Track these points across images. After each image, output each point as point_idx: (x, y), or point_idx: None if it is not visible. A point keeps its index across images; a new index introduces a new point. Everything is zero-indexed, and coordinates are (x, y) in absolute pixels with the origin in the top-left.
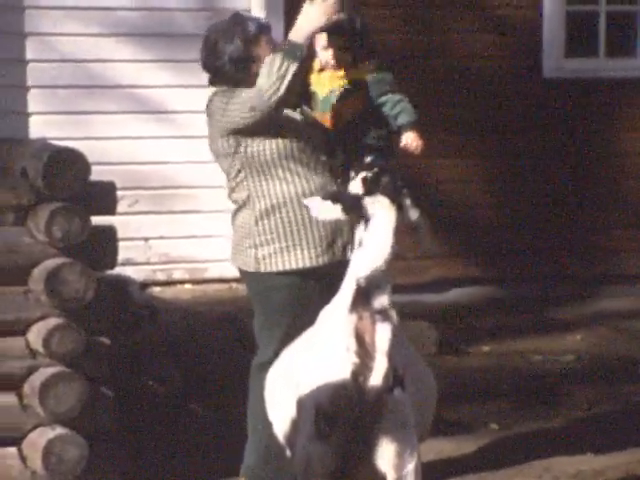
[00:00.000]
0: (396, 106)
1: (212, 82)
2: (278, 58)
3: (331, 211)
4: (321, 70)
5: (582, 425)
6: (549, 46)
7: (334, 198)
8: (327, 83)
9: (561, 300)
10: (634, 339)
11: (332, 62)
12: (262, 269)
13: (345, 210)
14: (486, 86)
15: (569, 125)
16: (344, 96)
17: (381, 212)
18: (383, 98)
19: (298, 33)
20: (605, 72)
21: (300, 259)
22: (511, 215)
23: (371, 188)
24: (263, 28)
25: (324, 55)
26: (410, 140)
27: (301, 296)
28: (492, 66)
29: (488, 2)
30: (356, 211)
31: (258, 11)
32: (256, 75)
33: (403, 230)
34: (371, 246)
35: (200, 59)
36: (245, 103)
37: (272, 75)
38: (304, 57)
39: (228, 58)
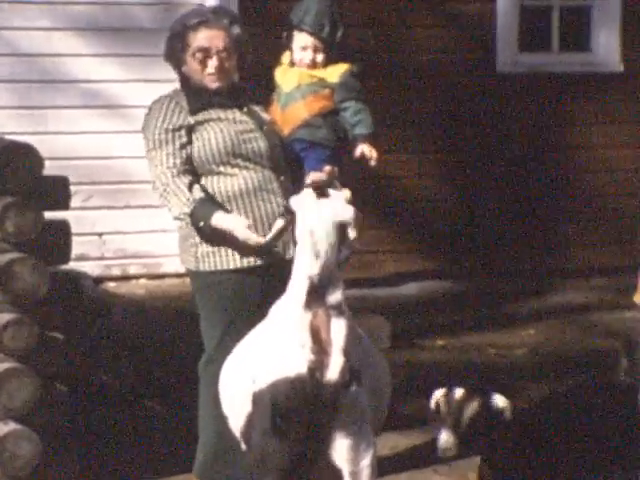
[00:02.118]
0: (357, 115)
1: (173, 68)
2: (188, 207)
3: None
4: (291, 65)
5: (535, 418)
6: (503, 40)
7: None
8: (294, 79)
9: (515, 294)
10: (586, 332)
11: (307, 62)
12: (201, 267)
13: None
14: (440, 80)
15: (523, 119)
16: (307, 94)
17: (304, 206)
18: (346, 104)
19: (218, 223)
20: (559, 66)
21: (239, 258)
22: (466, 210)
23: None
24: (206, 21)
25: (300, 54)
26: (366, 152)
27: (241, 294)
28: (446, 60)
29: None
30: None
31: (211, 4)
32: (186, 64)
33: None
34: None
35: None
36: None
37: (175, 200)
38: (196, 228)
39: (167, 38)
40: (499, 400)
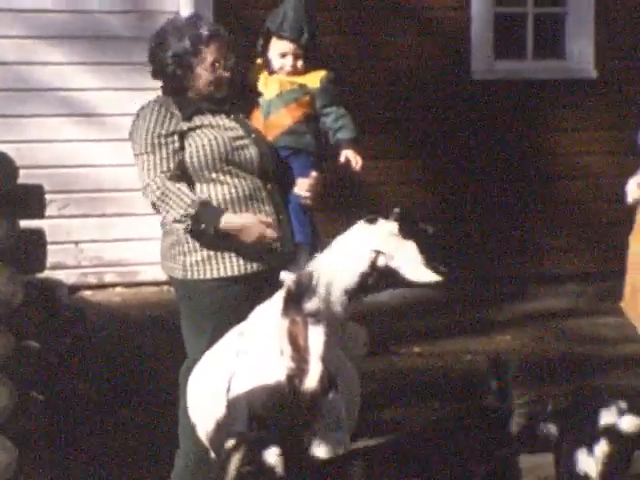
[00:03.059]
0: (339, 120)
1: (154, 74)
2: (192, 208)
3: None
4: (271, 73)
5: None
6: (478, 48)
7: None
8: (275, 87)
9: (492, 300)
10: (563, 338)
11: (288, 69)
12: (189, 276)
13: None
14: (416, 87)
15: (498, 126)
16: (290, 101)
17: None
18: (327, 109)
19: (229, 222)
20: (533, 74)
21: (229, 267)
22: (443, 216)
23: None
24: (216, 34)
25: (280, 61)
26: (351, 157)
27: (228, 302)
28: (421, 67)
29: (417, 4)
30: None
31: (187, 12)
32: (196, 76)
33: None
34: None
35: (148, 50)
36: (141, 175)
37: (177, 203)
38: (200, 231)
39: (172, 53)
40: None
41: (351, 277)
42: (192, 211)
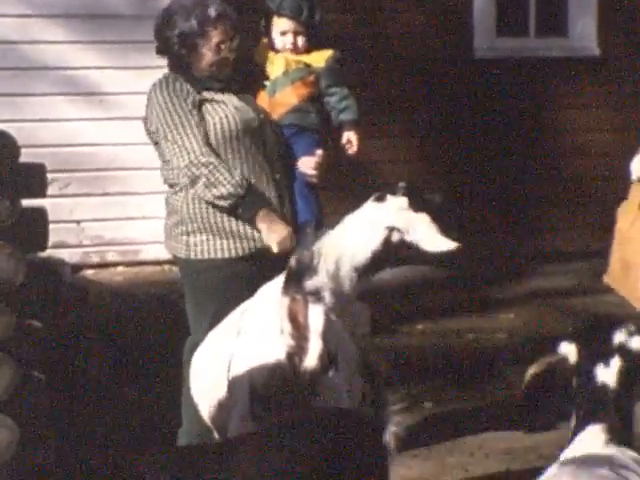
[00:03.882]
0: (343, 101)
1: (159, 51)
2: (242, 189)
3: None
4: (276, 52)
5: (513, 402)
6: (480, 25)
7: None
8: (281, 65)
9: (495, 278)
10: (567, 317)
11: (289, 47)
12: (193, 256)
13: None
14: (418, 66)
15: (501, 104)
16: (295, 79)
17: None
18: (332, 89)
19: (265, 218)
20: (536, 51)
21: (232, 247)
22: (445, 194)
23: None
24: (223, 15)
25: (281, 39)
26: (352, 139)
27: (231, 281)
28: (424, 46)
29: None
30: None
31: None
32: (200, 56)
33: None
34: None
35: (155, 26)
36: (178, 162)
37: (227, 179)
38: (242, 217)
39: (178, 32)
40: None
41: (364, 255)
42: (241, 192)
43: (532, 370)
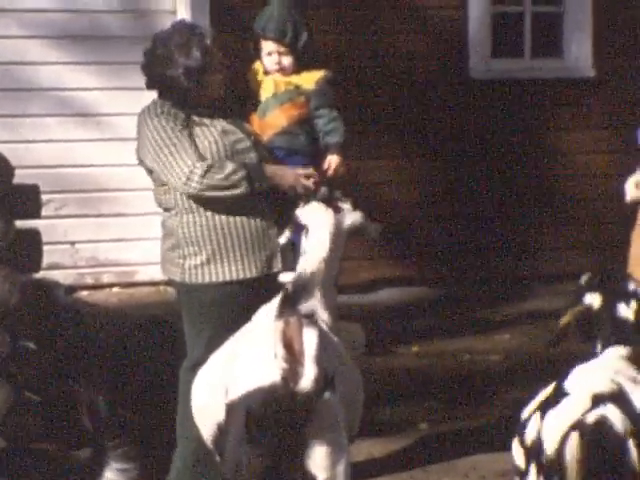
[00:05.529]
0: (330, 123)
1: (151, 87)
2: (241, 173)
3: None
4: (265, 74)
5: (509, 424)
6: (475, 46)
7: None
8: (270, 87)
9: (490, 300)
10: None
11: (274, 67)
12: (187, 280)
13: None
14: (413, 86)
15: (496, 125)
16: (284, 101)
17: (316, 217)
18: (320, 111)
19: (274, 176)
20: (531, 72)
21: (227, 272)
22: (440, 216)
23: (307, 198)
24: (215, 39)
25: (267, 60)
26: (333, 164)
27: (227, 305)
28: (419, 66)
29: (414, 3)
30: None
31: (183, 12)
32: (206, 85)
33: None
34: (308, 252)
35: (145, 64)
36: (178, 174)
37: (229, 170)
38: (256, 191)
39: (184, 70)
40: None
41: (337, 263)
42: (244, 171)
43: (564, 320)
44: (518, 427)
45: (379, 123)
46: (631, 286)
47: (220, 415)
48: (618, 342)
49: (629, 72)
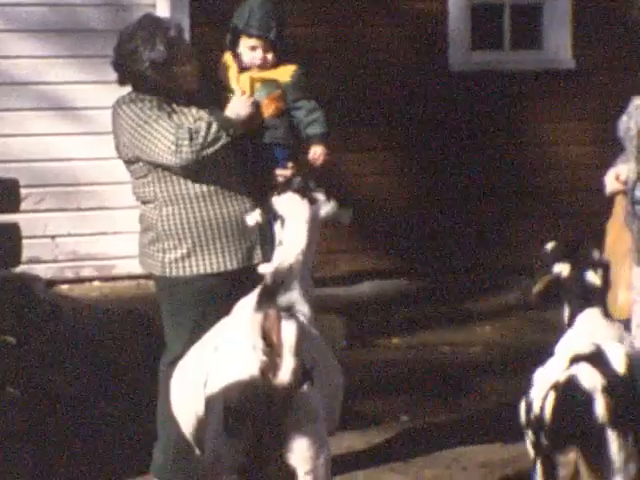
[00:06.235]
0: (310, 114)
1: (123, 83)
2: (215, 125)
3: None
4: (242, 70)
5: (490, 415)
6: (455, 39)
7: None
8: (247, 83)
9: (471, 292)
10: (542, 329)
11: (258, 63)
12: (168, 273)
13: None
14: (393, 79)
15: (476, 117)
16: (261, 97)
17: (292, 208)
18: (299, 103)
19: (234, 115)
20: (511, 65)
21: (208, 264)
22: (422, 208)
23: (283, 189)
24: (181, 31)
25: (249, 54)
26: (317, 155)
27: (207, 298)
28: (398, 59)
29: None
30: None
31: (163, 6)
32: (175, 78)
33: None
34: (284, 243)
35: (115, 61)
36: (166, 144)
37: (204, 138)
38: (233, 137)
39: (150, 63)
40: None
41: (313, 253)
42: (216, 124)
43: (537, 287)
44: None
45: (359, 115)
46: (596, 254)
47: (200, 408)
48: (586, 305)
49: (609, 63)
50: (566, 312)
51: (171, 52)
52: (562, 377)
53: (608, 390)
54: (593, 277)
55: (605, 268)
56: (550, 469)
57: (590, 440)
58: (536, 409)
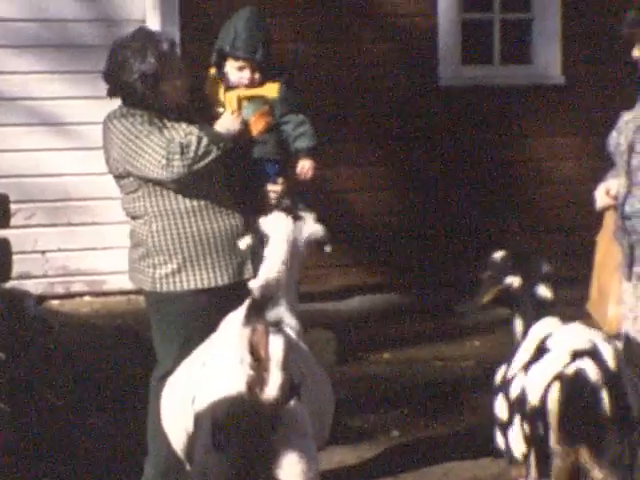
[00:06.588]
0: (298, 127)
1: (112, 95)
2: (205, 139)
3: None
4: (228, 89)
5: (480, 430)
6: (445, 54)
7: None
8: (234, 101)
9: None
10: None
11: (246, 82)
12: (159, 289)
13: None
14: (383, 94)
15: (466, 132)
16: (249, 114)
17: (274, 225)
18: (287, 117)
19: (223, 130)
20: (501, 79)
21: (199, 280)
22: (411, 223)
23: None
24: (174, 45)
25: (237, 74)
26: (305, 169)
27: (197, 313)
28: (389, 74)
29: (384, 11)
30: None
31: (154, 21)
32: (164, 91)
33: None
34: (267, 258)
35: (105, 72)
36: (157, 159)
37: (195, 152)
38: (223, 151)
39: (139, 75)
40: None
41: (297, 268)
42: (206, 138)
43: (486, 297)
44: (502, 387)
45: (349, 130)
46: (545, 268)
47: (189, 424)
48: (542, 316)
49: (598, 79)
50: (518, 323)
51: (162, 65)
52: (568, 370)
53: (609, 385)
54: (544, 291)
55: (555, 281)
56: (544, 459)
57: (597, 432)
58: (534, 401)
